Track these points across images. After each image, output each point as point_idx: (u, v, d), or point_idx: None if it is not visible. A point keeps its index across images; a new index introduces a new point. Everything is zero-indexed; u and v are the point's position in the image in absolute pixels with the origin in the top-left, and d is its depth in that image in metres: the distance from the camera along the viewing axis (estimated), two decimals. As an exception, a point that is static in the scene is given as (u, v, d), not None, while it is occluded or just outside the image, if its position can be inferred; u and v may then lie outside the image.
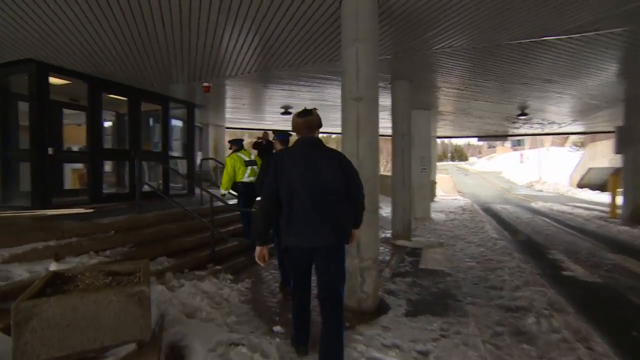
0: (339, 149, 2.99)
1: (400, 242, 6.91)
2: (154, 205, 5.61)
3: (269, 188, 2.36)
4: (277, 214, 2.39)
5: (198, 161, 10.87)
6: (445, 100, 9.48)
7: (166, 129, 8.11)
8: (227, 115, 12.06)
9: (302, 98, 8.82)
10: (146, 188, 8.10)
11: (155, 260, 4.23)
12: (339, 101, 3.79)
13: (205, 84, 6.77)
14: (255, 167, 5.39)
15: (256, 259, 2.43)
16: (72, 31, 4.43)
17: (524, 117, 10.75)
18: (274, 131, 4.33)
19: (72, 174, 8.52)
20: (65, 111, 8.10)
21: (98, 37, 4.61)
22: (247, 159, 5.40)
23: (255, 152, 5.74)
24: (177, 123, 9.25)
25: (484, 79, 6.97)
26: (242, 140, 5.76)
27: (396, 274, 4.83)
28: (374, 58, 3.60)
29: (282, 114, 10.52)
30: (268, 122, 13.11)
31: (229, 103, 10.00)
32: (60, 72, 5.74)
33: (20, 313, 2.10)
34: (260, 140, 9.60)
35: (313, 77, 6.83)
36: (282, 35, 4.68)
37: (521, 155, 41.47)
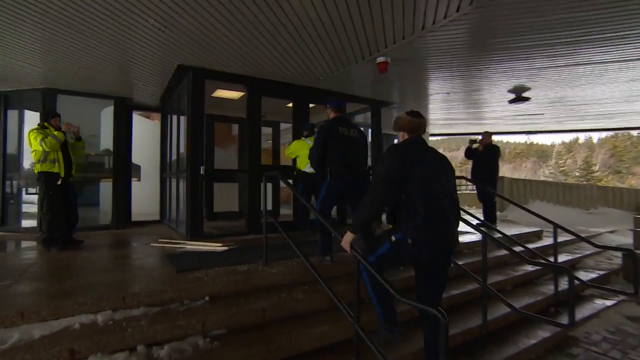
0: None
1: None
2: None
3: (394, 178, 2.01)
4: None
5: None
6: None
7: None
8: (430, 116, 9.22)
9: (542, 67, 4.98)
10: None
11: (239, 381, 2.10)
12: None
13: (381, 59, 4.40)
14: None
15: (343, 244, 2.19)
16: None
17: None
18: (329, 102, 3.50)
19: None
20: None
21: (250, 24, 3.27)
22: None
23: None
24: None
25: None
26: (313, 125, 5.40)
27: None
28: None
29: (512, 101, 6.78)
30: (488, 121, 9.36)
31: (431, 97, 7.21)
32: (212, 76, 4.84)
33: None
34: (475, 146, 6.36)
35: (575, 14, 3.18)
36: None
37: None
